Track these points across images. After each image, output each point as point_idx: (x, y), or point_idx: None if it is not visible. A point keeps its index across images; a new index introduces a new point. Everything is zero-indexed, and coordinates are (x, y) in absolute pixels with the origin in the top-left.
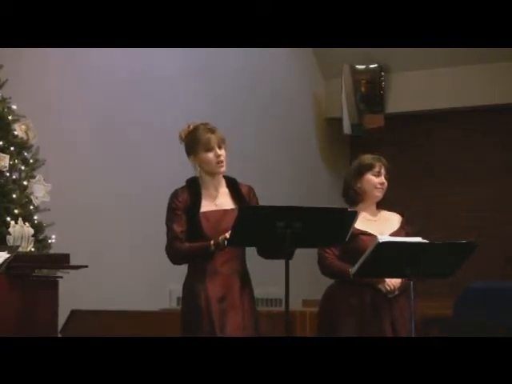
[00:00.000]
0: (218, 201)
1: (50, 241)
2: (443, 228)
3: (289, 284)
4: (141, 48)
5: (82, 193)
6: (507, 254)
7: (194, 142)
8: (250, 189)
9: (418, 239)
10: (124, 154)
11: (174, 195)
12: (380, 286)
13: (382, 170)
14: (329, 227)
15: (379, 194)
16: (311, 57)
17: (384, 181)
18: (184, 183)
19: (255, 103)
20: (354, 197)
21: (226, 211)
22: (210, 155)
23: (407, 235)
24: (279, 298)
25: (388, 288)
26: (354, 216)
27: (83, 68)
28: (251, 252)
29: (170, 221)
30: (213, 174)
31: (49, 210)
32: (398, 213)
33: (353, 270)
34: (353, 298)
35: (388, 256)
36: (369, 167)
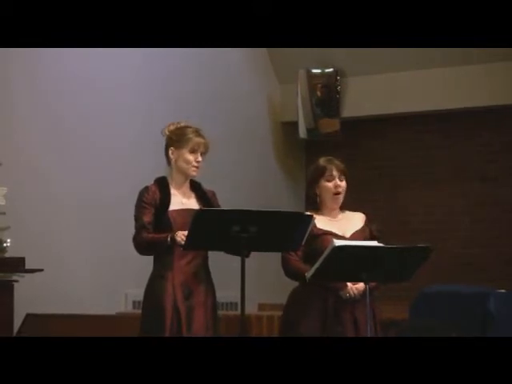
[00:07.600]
0: (185, 200)
1: (5, 244)
2: (402, 232)
3: (245, 288)
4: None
5: (37, 196)
6: (459, 258)
7: (182, 138)
8: (213, 193)
9: (374, 243)
10: (84, 155)
11: (145, 190)
12: (341, 293)
13: (335, 172)
14: (285, 231)
15: (336, 205)
16: (267, 61)
17: (339, 183)
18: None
19: (209, 107)
20: (313, 203)
21: (193, 210)
22: (192, 157)
23: (371, 233)
24: (235, 302)
25: (348, 295)
26: (309, 220)
27: (34, 69)
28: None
29: (138, 212)
30: (184, 175)
31: (4, 213)
32: (361, 212)
33: (309, 273)
34: (316, 301)
35: (344, 260)
36: (321, 172)
